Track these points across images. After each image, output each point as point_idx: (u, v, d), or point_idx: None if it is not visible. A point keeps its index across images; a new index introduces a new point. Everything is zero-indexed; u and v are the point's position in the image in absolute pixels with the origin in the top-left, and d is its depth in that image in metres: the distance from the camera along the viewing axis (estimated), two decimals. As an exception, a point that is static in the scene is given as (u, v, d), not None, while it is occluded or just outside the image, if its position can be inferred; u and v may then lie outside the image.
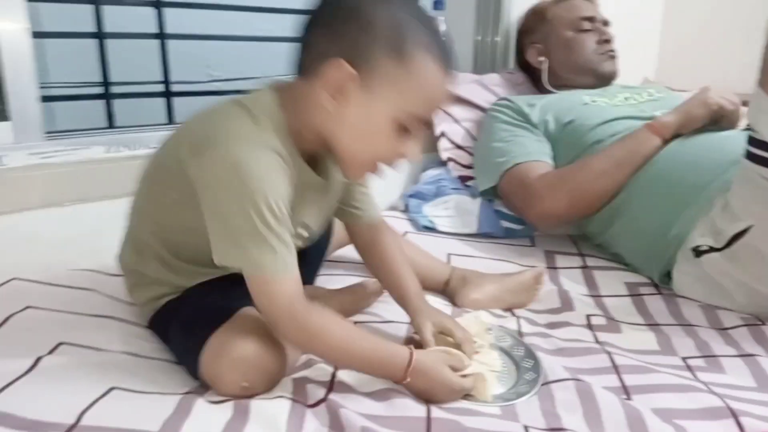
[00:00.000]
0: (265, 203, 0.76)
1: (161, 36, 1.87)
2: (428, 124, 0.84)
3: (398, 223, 1.55)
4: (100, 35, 1.74)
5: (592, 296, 1.24)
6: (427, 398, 0.83)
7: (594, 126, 1.43)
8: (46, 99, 1.22)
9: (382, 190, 1.65)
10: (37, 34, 1.17)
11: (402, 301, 1.01)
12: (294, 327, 0.81)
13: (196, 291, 0.94)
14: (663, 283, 1.26)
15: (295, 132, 0.84)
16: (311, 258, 1.12)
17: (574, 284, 1.28)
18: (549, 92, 1.69)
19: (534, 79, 1.83)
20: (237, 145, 0.78)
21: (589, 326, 1.10)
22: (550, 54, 1.73)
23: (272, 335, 0.86)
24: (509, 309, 1.16)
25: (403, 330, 1.04)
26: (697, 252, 1.16)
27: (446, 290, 1.19)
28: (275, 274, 0.78)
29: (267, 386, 0.84)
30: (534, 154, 1.45)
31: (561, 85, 1.70)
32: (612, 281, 1.29)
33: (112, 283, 1.11)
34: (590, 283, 1.29)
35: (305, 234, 0.95)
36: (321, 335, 0.82)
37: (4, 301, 1.02)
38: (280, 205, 0.78)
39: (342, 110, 0.80)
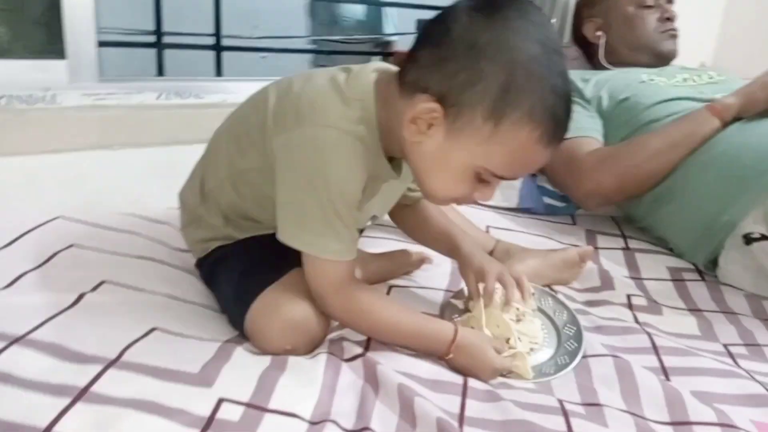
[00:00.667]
0: (340, 193, 0.77)
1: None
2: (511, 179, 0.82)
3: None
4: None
5: (633, 278, 1.21)
6: (467, 374, 0.82)
7: (651, 105, 1.38)
8: (101, 44, 1.22)
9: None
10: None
11: (452, 252, 1.00)
12: (341, 306, 0.83)
13: (248, 243, 0.94)
14: (708, 269, 1.23)
15: (383, 127, 0.81)
16: None
17: (614, 265, 1.25)
18: (604, 68, 1.64)
19: (589, 55, 1.78)
20: (324, 129, 0.77)
21: (630, 306, 1.08)
22: (608, 29, 1.68)
23: None
24: (549, 285, 1.15)
25: (439, 297, 1.04)
26: (748, 239, 1.12)
27: (489, 262, 1.18)
28: (333, 260, 0.80)
29: (309, 349, 0.84)
30: (584, 129, 1.41)
31: (617, 62, 1.64)
32: (654, 264, 1.27)
33: (156, 228, 1.13)
34: (631, 264, 1.27)
35: (369, 223, 0.97)
36: (367, 314, 0.83)
37: (50, 237, 1.04)
38: (356, 194, 0.79)
39: (424, 142, 0.77)
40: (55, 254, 0.99)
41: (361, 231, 0.90)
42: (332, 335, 0.89)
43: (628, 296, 1.11)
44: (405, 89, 0.78)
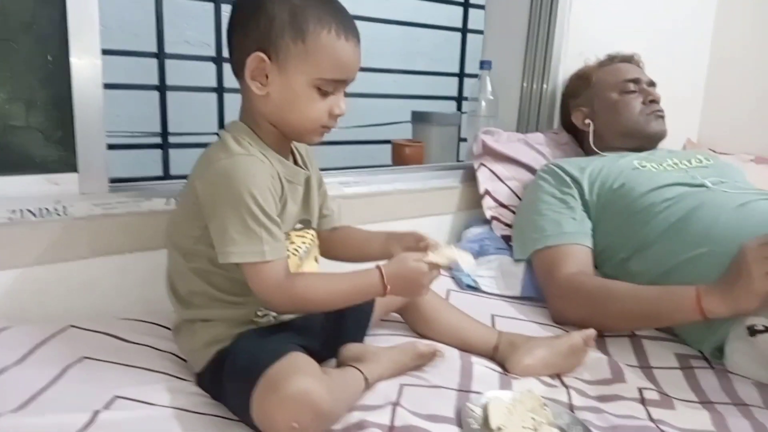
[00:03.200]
0: (251, 198, 0.89)
1: (220, 90, 1.92)
2: (343, 84, 0.98)
3: (441, 280, 1.54)
4: (161, 87, 1.80)
5: (642, 367, 1.21)
6: (411, 293, 1.01)
7: (645, 192, 1.42)
8: (110, 147, 1.24)
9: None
10: (107, 86, 1.19)
11: (368, 246, 1.15)
12: (283, 299, 0.94)
13: (245, 339, 0.98)
14: (714, 357, 1.23)
15: (261, 132, 0.99)
16: (358, 320, 1.16)
17: (622, 354, 1.26)
18: (595, 153, 1.69)
19: (579, 140, 1.84)
20: (223, 159, 0.92)
21: (642, 401, 1.08)
22: (595, 117, 1.74)
23: (321, 375, 0.89)
24: (558, 375, 1.15)
25: (450, 396, 1.03)
26: (752, 331, 1.13)
27: (495, 356, 1.18)
28: (264, 261, 0.91)
29: (317, 427, 0.85)
30: (569, 236, 1.45)
31: (607, 147, 1.70)
32: (662, 352, 1.27)
33: (163, 335, 1.14)
34: (639, 352, 1.27)
35: (306, 225, 1.08)
36: (306, 298, 0.95)
37: (62, 349, 1.04)
38: (265, 197, 0.92)
39: (269, 91, 0.95)
40: (67, 367, 0.99)
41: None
42: (352, 421, 0.90)
43: (640, 390, 1.11)
44: (240, 73, 0.96)
